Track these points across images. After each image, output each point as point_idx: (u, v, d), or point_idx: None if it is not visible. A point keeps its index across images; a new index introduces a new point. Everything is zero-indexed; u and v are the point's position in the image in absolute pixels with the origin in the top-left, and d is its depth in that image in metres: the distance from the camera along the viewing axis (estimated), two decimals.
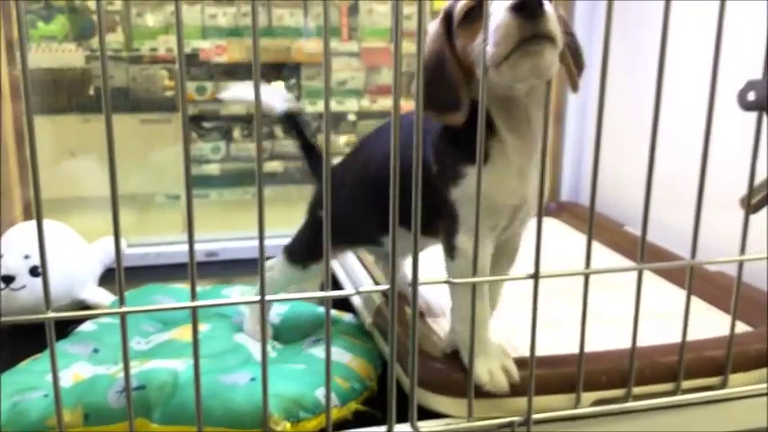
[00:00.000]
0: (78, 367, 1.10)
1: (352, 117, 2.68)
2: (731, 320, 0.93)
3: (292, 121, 1.14)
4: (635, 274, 0.87)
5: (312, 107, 2.56)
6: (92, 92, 2.43)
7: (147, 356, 1.11)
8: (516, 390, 0.88)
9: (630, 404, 0.91)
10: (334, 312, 1.29)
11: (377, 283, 1.27)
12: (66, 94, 2.39)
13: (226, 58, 2.47)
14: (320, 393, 0.97)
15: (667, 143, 1.15)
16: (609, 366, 0.92)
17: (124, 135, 2.28)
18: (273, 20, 2.53)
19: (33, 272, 1.35)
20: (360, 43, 2.59)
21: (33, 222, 0.69)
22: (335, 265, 1.48)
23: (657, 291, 1.30)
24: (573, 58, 0.85)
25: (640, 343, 0.90)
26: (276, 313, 1.30)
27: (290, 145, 2.62)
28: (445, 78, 0.83)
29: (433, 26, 0.86)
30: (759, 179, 0.88)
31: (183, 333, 1.20)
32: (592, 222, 0.84)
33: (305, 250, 1.12)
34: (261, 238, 0.72)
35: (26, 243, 1.38)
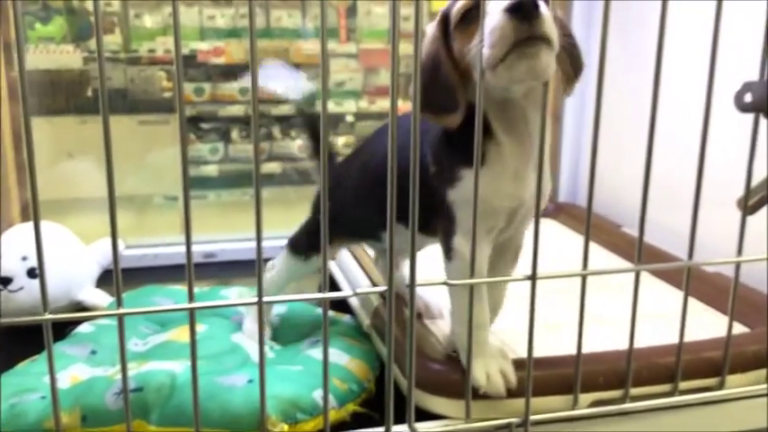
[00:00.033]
0: (76, 369, 1.10)
1: (350, 118, 2.67)
2: (728, 321, 0.93)
3: (308, 113, 1.15)
4: (632, 275, 0.87)
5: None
6: (90, 93, 2.43)
7: (144, 358, 1.11)
8: (514, 391, 0.88)
9: (628, 405, 0.91)
10: (331, 314, 1.29)
11: (375, 285, 1.27)
12: (63, 95, 2.39)
13: (224, 59, 2.47)
14: (318, 395, 0.97)
15: (665, 144, 1.15)
16: (606, 367, 0.92)
17: (122, 136, 2.29)
18: (272, 21, 2.53)
19: (31, 273, 1.35)
20: (358, 44, 2.59)
21: (31, 224, 0.68)
22: (333, 266, 1.48)
23: (655, 292, 1.30)
24: (571, 60, 0.85)
25: (638, 344, 0.90)
26: (275, 313, 1.30)
27: (288, 146, 2.63)
28: (441, 81, 0.84)
29: (430, 29, 0.86)
30: (756, 180, 0.89)
31: (181, 334, 1.20)
32: (589, 224, 0.84)
33: (308, 242, 1.13)
34: (258, 239, 0.72)
35: (24, 244, 1.37)
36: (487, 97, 0.79)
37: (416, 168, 0.73)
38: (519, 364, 0.90)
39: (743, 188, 0.88)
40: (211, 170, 2.57)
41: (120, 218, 0.70)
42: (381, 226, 1.00)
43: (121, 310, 0.72)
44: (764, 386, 0.97)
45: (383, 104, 2.57)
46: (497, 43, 0.73)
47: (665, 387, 0.93)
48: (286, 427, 0.92)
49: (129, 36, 2.44)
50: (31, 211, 0.68)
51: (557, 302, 1.04)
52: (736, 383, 0.96)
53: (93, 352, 1.17)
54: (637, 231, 0.86)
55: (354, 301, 1.26)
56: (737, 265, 0.91)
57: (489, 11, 0.74)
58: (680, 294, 0.92)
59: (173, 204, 2.43)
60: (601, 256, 1.48)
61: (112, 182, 0.68)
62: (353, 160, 1.10)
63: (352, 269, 1.38)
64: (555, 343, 1.06)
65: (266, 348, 1.14)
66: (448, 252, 0.90)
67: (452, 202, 0.88)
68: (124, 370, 0.74)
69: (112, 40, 2.40)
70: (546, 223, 1.77)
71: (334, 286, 1.44)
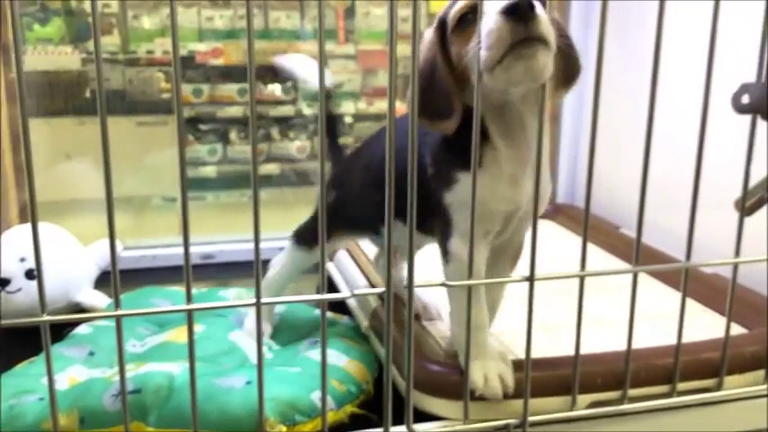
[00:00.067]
0: (74, 370, 1.09)
1: (348, 119, 2.68)
2: (726, 322, 0.93)
3: (326, 96, 1.17)
4: (630, 276, 0.87)
5: (309, 109, 2.56)
6: (88, 94, 2.43)
7: (142, 359, 1.11)
8: (512, 392, 0.88)
9: (626, 406, 0.92)
10: (330, 315, 1.29)
11: (373, 286, 1.27)
12: (62, 96, 2.39)
13: (222, 60, 2.47)
14: (316, 396, 0.96)
15: (663, 145, 1.15)
16: (604, 368, 0.92)
17: (120, 137, 2.29)
18: (270, 22, 2.53)
19: (29, 275, 1.35)
20: (356, 46, 2.59)
21: (29, 225, 0.68)
22: (331, 267, 1.48)
23: (653, 293, 1.30)
24: (568, 62, 0.85)
25: (636, 345, 0.90)
26: (276, 311, 1.30)
27: (286, 147, 2.63)
28: (438, 87, 0.84)
29: (427, 34, 0.86)
30: (754, 182, 0.89)
31: (178, 335, 1.20)
32: (587, 225, 0.84)
33: (313, 233, 1.14)
34: (256, 240, 0.72)
35: (22, 246, 1.37)
36: (485, 101, 0.80)
37: (414, 169, 0.73)
38: (517, 365, 0.90)
39: (740, 189, 0.88)
40: (210, 171, 2.57)
41: (118, 219, 0.70)
42: (382, 221, 1.01)
43: (119, 312, 0.72)
44: (762, 387, 0.97)
45: (382, 106, 2.57)
46: (494, 45, 0.73)
47: (664, 388, 0.93)
48: (284, 428, 0.92)
49: (127, 37, 2.44)
50: (29, 213, 0.68)
51: (555, 303, 1.04)
52: (734, 384, 0.96)
53: (91, 353, 1.17)
54: (635, 232, 0.86)
55: (353, 303, 1.26)
56: (735, 267, 0.92)
57: (485, 13, 0.74)
58: (678, 295, 0.92)
59: (171, 205, 2.43)
60: (599, 257, 1.48)
61: (110, 183, 0.68)
62: (359, 155, 1.12)
63: (351, 270, 1.38)
64: (553, 344, 1.06)
65: (264, 349, 1.14)
66: (445, 255, 0.90)
67: (449, 204, 0.88)
68: (122, 372, 0.74)
69: (111, 42, 2.40)
70: (544, 224, 1.77)
71: (332, 287, 1.44)
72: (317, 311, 1.32)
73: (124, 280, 0.71)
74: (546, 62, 0.74)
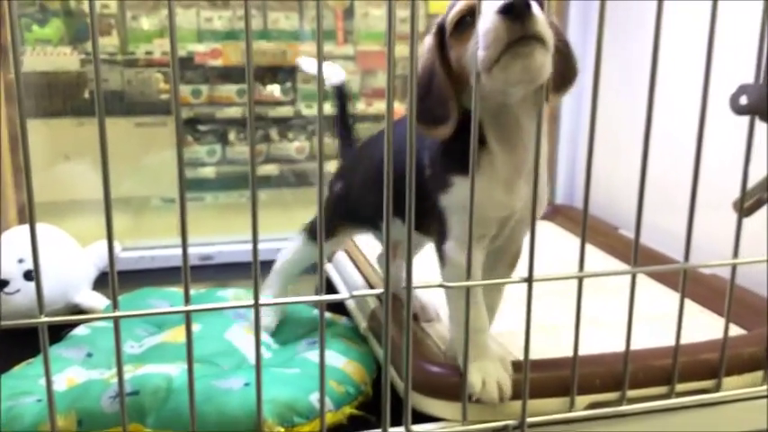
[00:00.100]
0: (72, 371, 1.09)
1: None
2: (725, 323, 0.93)
3: (340, 92, 1.21)
4: (629, 277, 0.87)
5: (307, 110, 2.56)
6: (87, 95, 2.43)
7: (140, 360, 1.10)
8: (511, 393, 0.88)
9: (625, 407, 0.92)
10: (329, 315, 1.29)
11: (372, 287, 1.27)
12: (61, 97, 2.39)
13: (221, 61, 2.47)
14: (314, 398, 0.96)
15: (662, 146, 1.16)
16: (603, 369, 0.92)
17: (119, 138, 2.28)
18: (269, 23, 2.53)
19: (27, 276, 1.34)
20: (355, 47, 2.59)
21: (27, 226, 0.68)
22: (330, 268, 1.48)
23: (651, 294, 1.30)
24: (565, 65, 0.85)
25: (634, 346, 0.90)
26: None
27: (285, 148, 2.62)
28: (435, 92, 0.84)
29: (427, 40, 0.87)
30: (752, 183, 0.89)
31: (176, 335, 1.20)
32: (585, 226, 0.84)
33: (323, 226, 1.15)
34: (254, 241, 0.72)
35: (20, 247, 1.37)
36: (483, 105, 0.80)
37: (413, 171, 0.73)
38: (516, 366, 0.90)
39: (739, 190, 0.88)
40: (209, 172, 2.57)
41: (117, 220, 0.70)
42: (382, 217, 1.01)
43: (117, 313, 0.72)
44: (761, 388, 0.97)
45: (381, 106, 2.57)
46: (491, 44, 0.73)
47: (662, 389, 0.93)
48: (282, 430, 0.92)
49: (126, 38, 2.44)
50: (27, 214, 0.68)
51: (553, 304, 1.04)
52: (733, 385, 0.96)
53: (89, 354, 1.17)
54: (633, 233, 0.86)
55: (351, 304, 1.26)
56: (733, 267, 0.92)
57: (483, 14, 0.74)
58: (676, 296, 0.92)
59: (170, 206, 2.43)
60: (598, 258, 1.48)
61: (108, 184, 0.68)
62: (363, 152, 1.13)
63: (349, 271, 1.38)
64: (552, 345, 1.06)
65: (263, 348, 1.14)
66: (441, 258, 0.91)
67: (444, 207, 0.88)
68: (120, 373, 0.74)
69: (109, 42, 2.40)
70: (543, 225, 1.77)
71: (330, 289, 1.43)
72: (316, 311, 1.32)
73: (123, 281, 0.71)
74: (543, 61, 0.74)
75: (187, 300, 0.73)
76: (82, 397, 0.97)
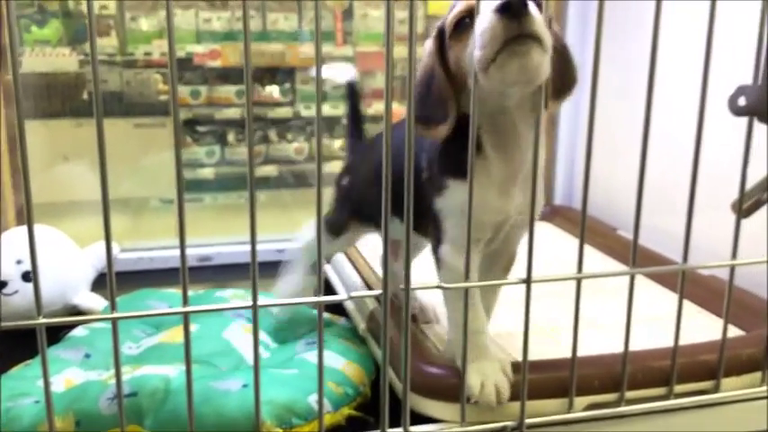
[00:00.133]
0: (70, 373, 1.09)
1: (345, 121, 2.68)
2: (723, 324, 0.93)
3: (351, 89, 1.22)
4: (627, 278, 0.87)
5: (306, 111, 2.56)
6: (86, 96, 2.42)
7: (138, 361, 1.10)
8: (509, 395, 0.88)
9: (623, 408, 0.91)
10: (327, 316, 1.29)
11: (370, 288, 1.27)
12: (59, 98, 2.39)
13: (220, 62, 2.47)
14: (313, 399, 0.96)
15: (661, 147, 1.16)
16: (602, 371, 0.92)
17: (118, 139, 2.28)
18: (268, 24, 2.53)
19: (26, 277, 1.34)
20: (354, 48, 2.59)
21: (26, 227, 0.68)
22: (329, 269, 1.48)
23: (650, 295, 1.30)
24: (564, 72, 0.85)
25: (633, 347, 0.90)
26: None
27: (284, 149, 2.62)
28: (434, 94, 0.84)
29: (427, 44, 0.87)
30: (751, 184, 0.89)
31: (174, 336, 1.20)
32: (584, 227, 0.84)
33: (333, 225, 1.16)
34: (253, 242, 0.72)
35: (19, 248, 1.37)
36: (480, 110, 0.80)
37: (411, 173, 0.73)
38: (514, 368, 0.90)
39: (737, 191, 0.88)
40: (208, 173, 2.57)
41: (115, 221, 0.70)
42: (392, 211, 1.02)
43: (115, 315, 0.72)
44: (760, 389, 0.97)
45: (380, 107, 2.56)
46: (488, 43, 0.73)
47: (661, 390, 0.93)
48: (281, 431, 0.92)
49: (125, 39, 2.44)
50: (25, 215, 0.68)
51: (552, 305, 1.04)
52: (732, 386, 0.96)
53: (88, 356, 1.17)
54: (632, 234, 0.86)
55: (350, 305, 1.26)
56: (732, 269, 0.92)
57: (481, 14, 0.74)
58: (675, 297, 0.92)
59: (169, 207, 2.43)
60: (596, 259, 1.48)
61: (106, 185, 0.68)
62: (369, 149, 1.13)
63: (348, 272, 1.38)
64: (550, 346, 1.06)
65: (261, 348, 1.14)
66: (437, 261, 0.91)
67: (439, 210, 0.89)
68: (118, 375, 0.74)
69: (108, 43, 2.40)
70: (541, 226, 1.77)
71: (329, 289, 1.43)
72: (315, 311, 1.32)
73: (122, 282, 0.71)
74: (540, 61, 0.74)
75: (185, 301, 0.73)
76: (80, 398, 0.97)
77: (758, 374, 0.98)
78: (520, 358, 0.85)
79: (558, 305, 1.04)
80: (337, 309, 1.32)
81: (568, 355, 0.87)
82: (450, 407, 0.89)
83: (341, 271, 1.42)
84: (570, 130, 1.97)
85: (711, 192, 0.96)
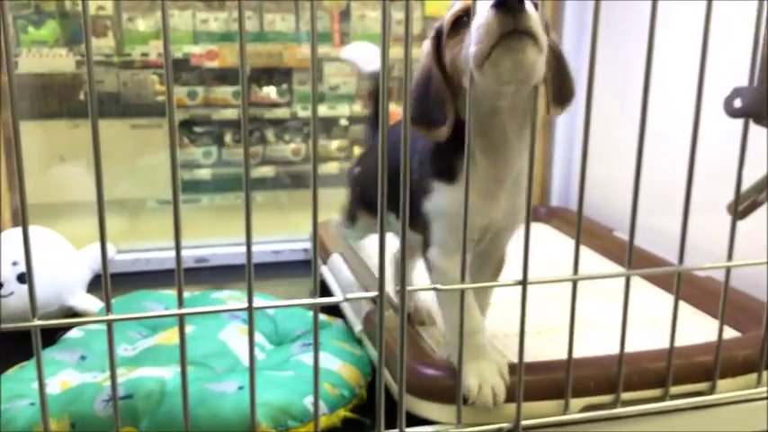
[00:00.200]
0: (66, 374, 1.09)
1: (344, 122, 2.67)
2: (719, 326, 0.93)
3: (377, 78, 1.21)
4: (623, 279, 0.87)
5: (304, 112, 2.56)
6: (82, 97, 2.42)
7: (133, 363, 1.10)
8: (505, 397, 0.88)
9: (619, 410, 0.91)
10: (324, 318, 1.29)
11: (366, 290, 1.26)
12: (56, 99, 2.38)
13: (217, 63, 2.46)
14: (308, 401, 0.96)
15: (657, 148, 1.15)
16: (597, 372, 0.92)
17: (115, 140, 2.28)
18: (265, 25, 2.53)
19: (21, 278, 1.34)
20: None
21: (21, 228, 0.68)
22: (325, 271, 1.48)
23: (646, 296, 1.30)
24: (562, 83, 0.85)
25: (629, 348, 0.90)
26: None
27: (281, 150, 2.62)
28: (432, 95, 0.85)
29: (425, 44, 0.87)
30: (747, 185, 0.89)
31: (169, 337, 1.19)
32: (580, 228, 0.84)
33: (348, 207, 1.18)
34: (248, 244, 0.72)
35: (14, 249, 1.37)
36: (474, 113, 0.80)
37: (408, 175, 0.73)
38: (510, 369, 0.90)
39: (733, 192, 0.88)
40: (205, 174, 2.56)
41: (112, 222, 0.70)
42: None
43: (110, 317, 0.71)
44: (755, 390, 0.97)
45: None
46: (484, 37, 0.73)
47: (656, 392, 0.93)
48: None
49: (122, 40, 2.43)
50: (20, 216, 0.67)
51: (548, 307, 1.04)
52: (727, 388, 0.96)
53: (83, 357, 1.17)
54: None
55: (346, 306, 1.26)
56: (728, 270, 0.92)
57: (478, 12, 0.75)
58: (671, 298, 0.92)
59: (166, 208, 2.41)
60: (593, 261, 1.49)
61: (101, 186, 0.68)
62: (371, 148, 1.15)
63: (344, 274, 1.37)
64: (546, 348, 1.06)
65: (257, 350, 1.13)
66: (426, 262, 0.92)
67: (427, 213, 0.89)
68: (113, 377, 0.73)
69: (105, 44, 2.39)
70: (538, 227, 1.77)
71: (326, 291, 1.43)
72: (311, 313, 1.32)
73: (118, 283, 0.71)
74: (535, 59, 0.74)
75: (180, 303, 0.72)
76: (75, 400, 0.97)
77: (754, 376, 0.98)
78: (516, 360, 0.85)
79: (554, 306, 1.04)
80: (333, 310, 1.32)
81: (564, 356, 0.87)
82: (446, 408, 0.89)
83: (337, 273, 1.41)
84: (567, 132, 1.97)
85: (707, 193, 0.96)
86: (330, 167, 2.55)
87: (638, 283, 1.31)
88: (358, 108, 2.60)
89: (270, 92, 2.57)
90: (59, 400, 0.97)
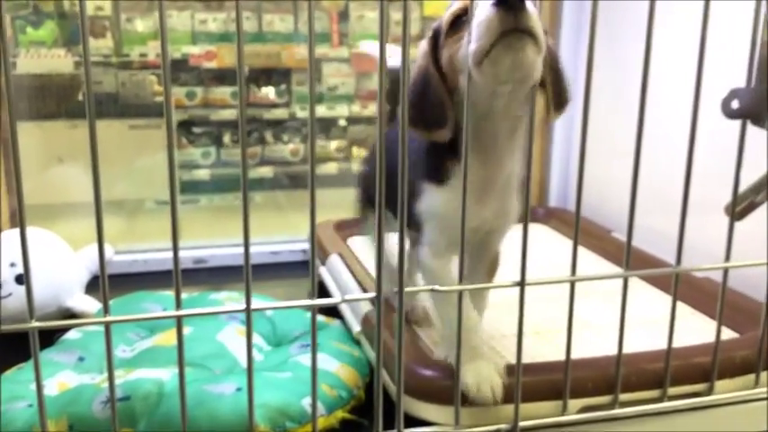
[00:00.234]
0: (64, 376, 1.09)
1: (342, 122, 2.67)
2: (717, 327, 0.93)
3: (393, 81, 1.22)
4: (621, 280, 0.87)
5: (302, 112, 2.56)
6: (81, 97, 2.41)
7: (131, 365, 1.10)
8: (503, 397, 0.88)
9: (617, 411, 0.92)
10: (322, 319, 1.29)
11: (365, 291, 1.26)
12: (54, 99, 2.38)
13: (216, 63, 2.46)
14: (306, 403, 0.96)
15: (655, 149, 1.15)
16: (595, 373, 0.92)
17: (113, 141, 2.28)
18: (264, 25, 2.53)
19: (19, 280, 1.34)
20: (350, 49, 2.59)
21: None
22: (324, 272, 1.48)
23: (644, 297, 1.30)
24: (559, 89, 0.85)
25: (627, 350, 0.90)
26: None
27: (280, 150, 2.62)
28: (431, 96, 0.84)
29: (421, 45, 0.87)
30: (744, 186, 0.89)
31: (168, 338, 1.19)
32: (578, 229, 0.84)
33: (360, 201, 1.18)
34: (246, 245, 0.72)
35: (12, 251, 1.37)
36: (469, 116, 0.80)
37: (406, 176, 0.73)
38: (508, 370, 0.90)
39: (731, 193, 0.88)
40: (203, 174, 2.56)
41: (110, 223, 0.70)
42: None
43: (108, 318, 0.71)
44: (753, 391, 0.97)
45: (375, 109, 2.56)
46: (484, 35, 0.73)
47: (654, 393, 0.93)
48: None
49: (120, 40, 2.43)
50: (18, 217, 0.67)
51: (546, 308, 1.04)
52: (725, 389, 0.96)
53: (81, 359, 1.17)
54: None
55: (344, 307, 1.26)
56: (725, 271, 0.92)
57: (477, 10, 0.75)
58: (669, 299, 0.92)
59: (164, 209, 2.41)
60: (591, 262, 1.49)
61: (99, 187, 0.68)
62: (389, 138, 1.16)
63: (343, 275, 1.37)
64: (544, 348, 1.06)
65: (255, 351, 1.13)
66: (418, 263, 0.92)
67: (418, 214, 0.90)
68: (111, 379, 0.73)
69: (104, 45, 2.39)
70: (537, 228, 1.77)
71: (324, 292, 1.43)
72: (309, 314, 1.31)
73: (116, 284, 0.71)
74: (534, 59, 0.74)
75: (178, 304, 0.72)
76: (73, 402, 0.97)
77: (752, 377, 0.98)
78: (514, 360, 0.85)
79: (552, 307, 1.04)
80: (332, 311, 1.32)
81: (562, 357, 0.87)
82: (444, 409, 0.89)
83: (336, 274, 1.41)
84: (565, 132, 1.97)
85: (705, 194, 0.96)
86: (329, 168, 2.55)
87: (635, 283, 1.31)
88: (357, 108, 2.60)
89: (268, 92, 2.57)
90: (57, 402, 0.97)
